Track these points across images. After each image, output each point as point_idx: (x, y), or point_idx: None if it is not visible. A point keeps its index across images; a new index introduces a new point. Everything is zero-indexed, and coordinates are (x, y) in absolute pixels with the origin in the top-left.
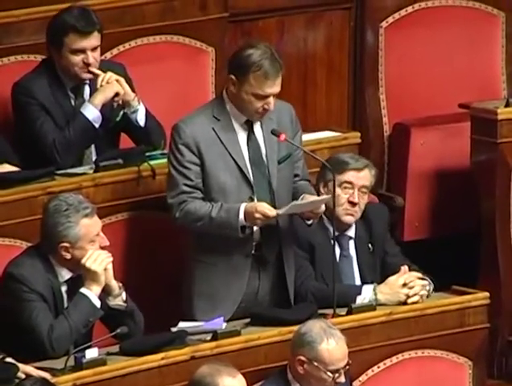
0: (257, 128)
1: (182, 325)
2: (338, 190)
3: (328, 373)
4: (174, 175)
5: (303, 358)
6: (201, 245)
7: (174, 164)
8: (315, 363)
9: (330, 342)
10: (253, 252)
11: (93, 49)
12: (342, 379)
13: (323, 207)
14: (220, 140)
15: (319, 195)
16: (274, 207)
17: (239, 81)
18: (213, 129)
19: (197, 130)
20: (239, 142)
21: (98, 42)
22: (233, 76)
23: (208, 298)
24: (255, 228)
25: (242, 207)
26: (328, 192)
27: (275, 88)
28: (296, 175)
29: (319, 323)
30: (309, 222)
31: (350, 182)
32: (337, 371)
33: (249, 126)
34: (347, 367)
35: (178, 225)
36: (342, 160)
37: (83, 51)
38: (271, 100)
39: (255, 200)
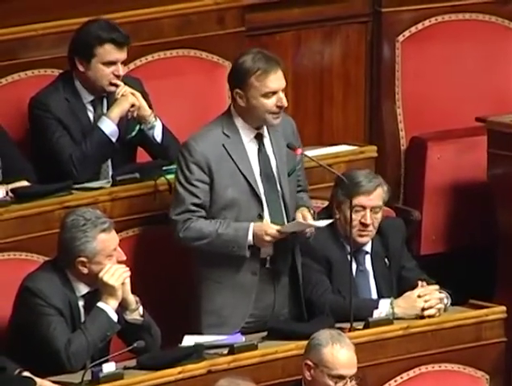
0: (266, 141)
1: (194, 339)
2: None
3: (332, 379)
4: (181, 193)
5: (309, 362)
6: (207, 263)
7: (181, 181)
8: (320, 368)
9: (335, 347)
10: (267, 265)
11: (122, 62)
12: None
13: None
14: (231, 157)
15: (332, 213)
16: (288, 220)
17: (244, 91)
18: (223, 145)
19: (208, 148)
20: (249, 158)
21: (126, 55)
22: (237, 90)
23: (215, 315)
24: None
25: (251, 226)
26: (340, 213)
27: (280, 81)
28: (299, 186)
29: (330, 331)
30: (307, 235)
31: (361, 206)
32: (341, 378)
33: (259, 140)
34: (355, 380)
35: (180, 243)
36: (354, 180)
37: (115, 63)
38: (281, 95)
39: (264, 217)
